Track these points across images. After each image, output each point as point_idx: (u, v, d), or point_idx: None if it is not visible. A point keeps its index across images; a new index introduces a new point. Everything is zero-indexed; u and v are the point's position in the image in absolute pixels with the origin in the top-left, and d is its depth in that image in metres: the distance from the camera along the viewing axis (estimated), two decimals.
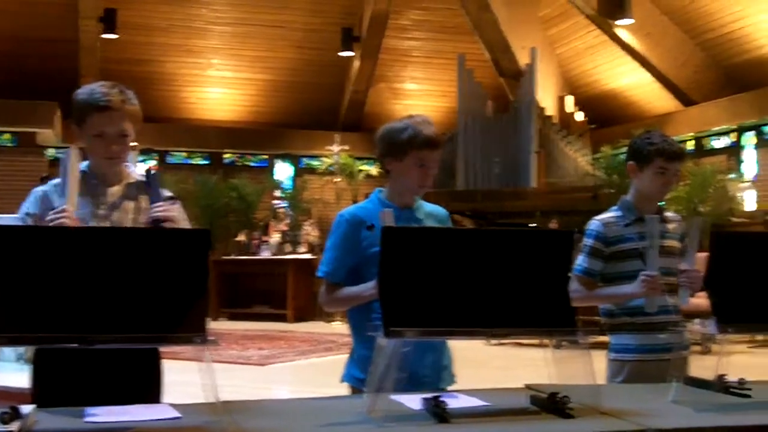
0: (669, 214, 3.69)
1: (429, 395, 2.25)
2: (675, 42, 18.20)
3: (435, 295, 2.31)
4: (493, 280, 2.37)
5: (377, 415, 2.17)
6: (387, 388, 2.22)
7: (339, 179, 19.04)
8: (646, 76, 19.33)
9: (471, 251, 2.38)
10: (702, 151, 19.24)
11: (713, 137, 19.14)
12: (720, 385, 2.57)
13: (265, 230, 17.95)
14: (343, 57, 20.71)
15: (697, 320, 2.75)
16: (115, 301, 2.11)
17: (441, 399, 2.20)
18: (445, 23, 21.00)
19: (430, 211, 3.23)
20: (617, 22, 17.62)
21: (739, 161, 18.25)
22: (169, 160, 21.17)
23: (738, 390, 2.53)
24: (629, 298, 3.41)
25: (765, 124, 17.62)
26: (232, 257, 16.54)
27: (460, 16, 20.21)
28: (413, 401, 2.33)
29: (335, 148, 18.99)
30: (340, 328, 13.10)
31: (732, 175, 17.17)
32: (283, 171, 22.21)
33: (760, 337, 11.32)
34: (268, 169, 21.94)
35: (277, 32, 20.41)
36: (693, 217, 3.62)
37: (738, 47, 17.23)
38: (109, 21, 18.30)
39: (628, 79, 20.29)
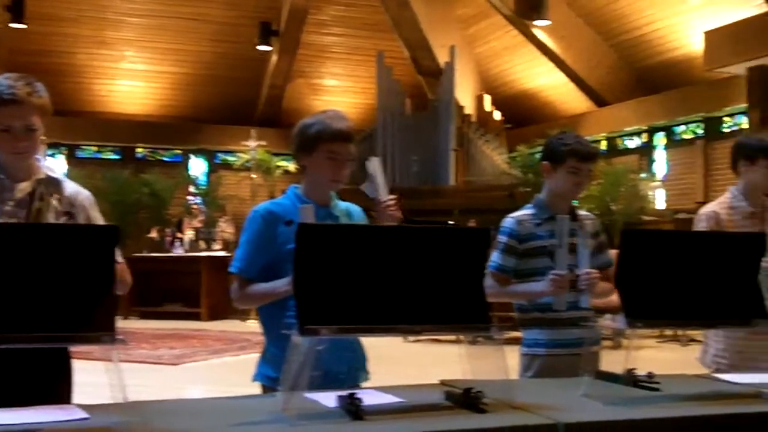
0: (582, 213, 3.75)
1: (343, 393, 2.24)
2: (589, 44, 18.54)
3: (351, 292, 2.30)
4: (409, 277, 2.37)
5: (291, 413, 2.15)
6: (301, 387, 2.20)
7: (255, 175, 18.91)
8: (561, 77, 19.66)
9: (388, 248, 2.38)
10: (614, 150, 19.65)
11: (625, 137, 19.57)
12: (629, 379, 2.61)
13: (179, 227, 17.68)
14: (260, 51, 20.57)
15: (608, 315, 2.79)
16: (20, 299, 2.05)
17: (356, 396, 2.19)
18: (364, 20, 21.02)
19: (346, 209, 3.22)
20: (534, 23, 17.86)
21: (650, 161, 18.69)
22: (79, 154, 20.77)
23: (647, 384, 2.58)
24: (539, 296, 3.45)
25: (675, 125, 18.08)
26: (144, 254, 16.24)
27: (380, 13, 20.26)
28: (328, 399, 2.32)
29: (252, 143, 18.86)
30: (254, 326, 12.93)
31: (643, 175, 17.57)
32: (198, 166, 21.98)
33: (668, 332, 11.62)
34: (182, 164, 21.68)
35: (192, 25, 20.16)
36: (583, 216, 3.67)
37: (650, 50, 17.64)
38: (16, 10, 17.74)
39: (544, 80, 20.60)
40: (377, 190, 3.15)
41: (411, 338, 10.88)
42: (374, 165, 3.17)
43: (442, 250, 2.43)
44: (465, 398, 2.30)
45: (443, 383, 2.61)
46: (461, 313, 2.41)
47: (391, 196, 3.12)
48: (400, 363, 9.10)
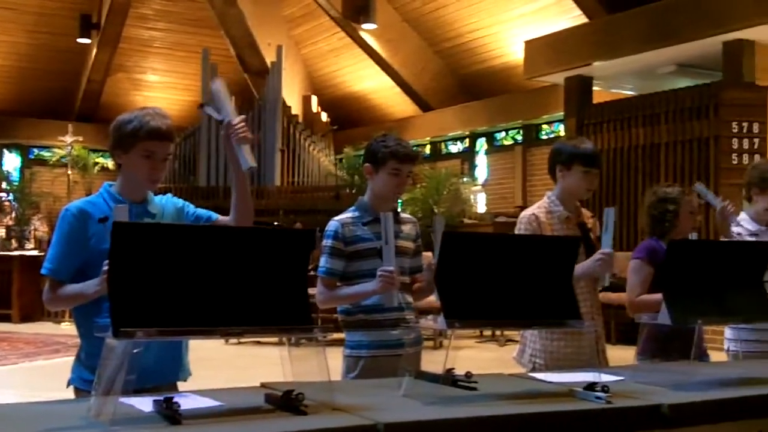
0: (404, 215, 3.79)
1: (160, 397, 2.17)
2: (415, 49, 18.89)
3: (169, 293, 2.22)
4: (231, 278, 2.32)
5: (105, 418, 2.07)
6: (116, 391, 2.12)
7: (72, 172, 18.20)
8: (387, 81, 19.93)
9: (208, 249, 2.32)
10: (438, 155, 20.11)
11: (449, 142, 20.06)
12: (448, 378, 2.66)
13: None
14: (80, 44, 19.85)
15: (430, 316, 2.83)
16: None
17: (173, 400, 2.13)
18: (189, 15, 20.65)
19: (161, 205, 3.12)
20: (361, 26, 18.03)
21: (472, 165, 19.23)
22: None
23: (465, 383, 2.63)
24: (370, 296, 3.46)
25: (496, 131, 18.67)
26: None
27: (206, 9, 19.95)
28: (144, 403, 2.24)
29: (68, 138, 18.16)
30: (69, 329, 12.51)
31: (465, 179, 18.05)
32: (10, 161, 21.02)
33: (487, 333, 11.98)
34: None
35: (6, 14, 19.22)
36: (435, 217, 3.74)
37: (473, 57, 18.14)
38: None
39: (371, 83, 20.84)
40: (224, 111, 3.07)
41: (232, 340, 10.75)
42: (218, 86, 3.10)
43: (265, 251, 2.39)
44: (285, 400, 2.27)
45: (263, 386, 2.58)
46: (284, 315, 2.38)
47: (240, 117, 3.06)
48: (221, 366, 8.98)
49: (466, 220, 16.70)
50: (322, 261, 3.53)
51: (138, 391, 2.25)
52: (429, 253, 2.95)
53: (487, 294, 2.63)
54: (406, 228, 3.69)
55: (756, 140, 10.84)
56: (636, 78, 13.38)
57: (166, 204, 3.15)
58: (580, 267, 2.86)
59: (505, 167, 18.25)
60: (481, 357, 9.99)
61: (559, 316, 2.80)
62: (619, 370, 3.15)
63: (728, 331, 4.35)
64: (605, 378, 2.68)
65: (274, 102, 19.68)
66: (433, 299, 2.95)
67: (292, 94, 20.67)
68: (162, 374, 2.95)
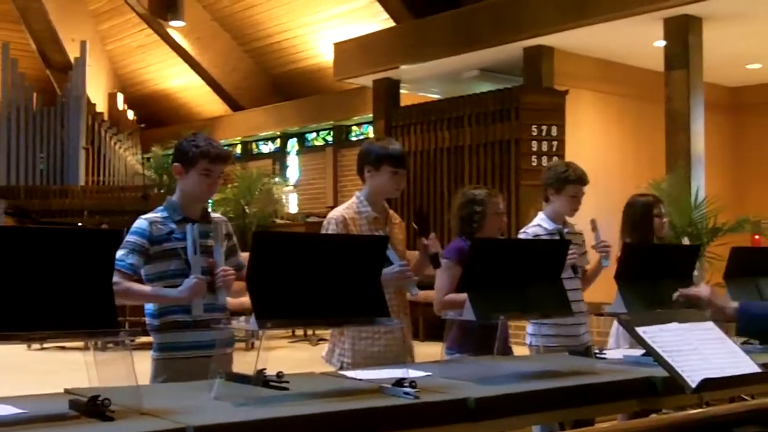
0: (215, 215, 3.76)
1: None
2: (225, 48, 18.70)
3: None
4: (32, 281, 2.23)
5: None
6: None
7: None
8: (197, 79, 19.65)
9: (8, 250, 2.22)
10: (249, 155, 19.99)
11: (260, 142, 19.97)
12: (259, 379, 2.65)
13: None
14: None
15: (242, 317, 2.81)
16: None
17: None
18: None
19: None
20: (168, 23, 17.70)
21: (284, 166, 19.23)
22: None
23: (276, 383, 2.63)
24: (176, 302, 3.40)
25: (307, 132, 18.74)
26: None
27: (6, 2, 19.02)
28: None
29: None
30: None
31: (277, 179, 18.02)
32: None
33: (299, 332, 12.01)
34: None
35: None
36: (216, 218, 3.72)
37: (284, 57, 18.14)
38: None
39: (179, 81, 20.48)
40: None
41: (35, 345, 10.30)
42: None
43: (69, 252, 2.32)
44: (91, 406, 2.21)
45: (68, 392, 2.49)
46: (89, 319, 2.31)
47: None
48: (24, 371, 8.61)
49: (278, 221, 16.68)
50: (121, 254, 3.38)
51: None
52: (245, 254, 2.93)
53: (298, 293, 2.65)
54: (217, 227, 3.65)
55: (554, 143, 11.35)
56: (442, 82, 13.74)
57: None
58: (383, 275, 2.92)
59: (317, 168, 18.35)
60: (294, 357, 10.01)
61: (368, 314, 2.85)
62: (427, 366, 3.24)
63: (530, 326, 4.55)
64: (413, 374, 2.75)
65: (77, 99, 19.01)
66: (245, 300, 2.94)
67: (97, 91, 20.02)
68: None
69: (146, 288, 3.48)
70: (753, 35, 10.75)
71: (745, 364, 2.88)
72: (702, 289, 3.14)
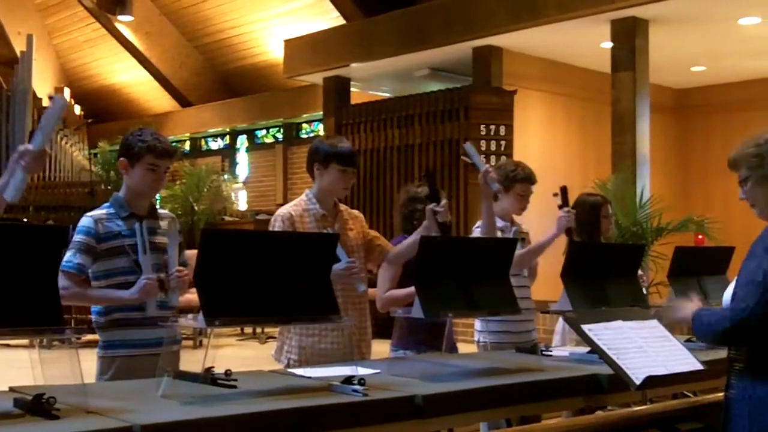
0: (162, 211, 3.73)
1: None
2: (173, 43, 18.54)
3: None
4: None
5: None
6: None
7: None
8: (145, 75, 19.46)
9: None
10: (198, 151, 19.85)
11: (209, 139, 19.83)
12: (207, 377, 2.64)
13: None
14: None
15: (190, 315, 2.80)
16: None
17: None
18: None
19: None
20: (117, 18, 17.51)
21: (233, 163, 19.12)
22: None
23: (224, 381, 2.63)
24: (127, 303, 3.37)
25: (257, 129, 18.66)
26: None
27: None
28: None
29: None
30: None
31: (226, 176, 17.91)
32: None
33: (248, 330, 11.96)
34: None
35: None
36: (163, 214, 3.69)
37: (233, 54, 18.03)
38: None
39: (127, 76, 20.27)
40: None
41: None
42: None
43: (13, 248, 2.28)
44: (35, 405, 2.19)
45: (12, 390, 2.46)
46: (34, 316, 2.29)
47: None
48: None
49: (227, 218, 16.59)
50: (69, 255, 3.35)
51: None
52: (193, 251, 2.91)
53: (247, 291, 2.64)
54: (164, 224, 3.63)
55: (503, 142, 11.43)
56: (392, 80, 13.78)
57: None
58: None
59: (266, 165, 18.27)
60: (242, 355, 9.97)
61: (317, 312, 2.85)
62: (376, 364, 3.26)
63: (478, 323, 4.57)
64: (362, 371, 2.77)
65: (23, 93, 18.68)
66: (192, 297, 2.93)
67: (43, 86, 19.72)
68: None
69: (96, 292, 3.43)
70: (698, 38, 10.93)
71: (689, 362, 2.94)
72: (689, 311, 2.82)
